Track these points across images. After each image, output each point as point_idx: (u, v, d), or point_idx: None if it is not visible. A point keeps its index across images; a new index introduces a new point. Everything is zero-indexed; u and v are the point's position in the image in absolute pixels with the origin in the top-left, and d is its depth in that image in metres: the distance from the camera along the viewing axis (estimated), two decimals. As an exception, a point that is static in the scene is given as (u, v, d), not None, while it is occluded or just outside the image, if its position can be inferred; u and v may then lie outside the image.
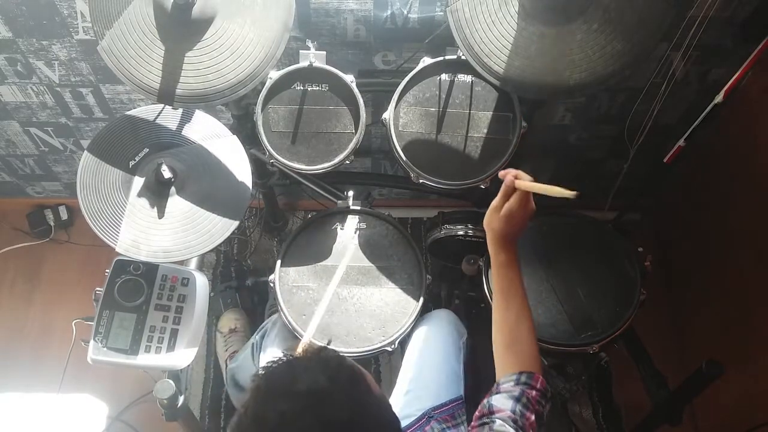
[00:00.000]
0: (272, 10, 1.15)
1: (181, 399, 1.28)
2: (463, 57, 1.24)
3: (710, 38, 1.44)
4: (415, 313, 1.36)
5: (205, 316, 1.26)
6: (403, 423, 1.19)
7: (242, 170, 1.28)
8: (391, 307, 1.37)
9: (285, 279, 1.39)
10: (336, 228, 1.45)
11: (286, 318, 1.34)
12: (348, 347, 1.32)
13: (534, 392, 0.94)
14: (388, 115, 1.32)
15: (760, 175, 1.58)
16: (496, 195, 1.59)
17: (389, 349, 1.34)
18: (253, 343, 1.43)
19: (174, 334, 1.20)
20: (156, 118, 1.30)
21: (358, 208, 1.47)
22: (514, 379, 0.95)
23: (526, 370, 0.96)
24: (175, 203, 1.22)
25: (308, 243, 1.43)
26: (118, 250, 1.18)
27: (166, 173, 1.18)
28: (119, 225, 1.19)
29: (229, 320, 1.89)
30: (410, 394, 1.28)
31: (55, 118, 1.76)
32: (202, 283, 1.26)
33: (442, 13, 1.42)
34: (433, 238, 1.68)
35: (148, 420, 1.83)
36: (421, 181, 1.33)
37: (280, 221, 2.06)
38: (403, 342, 1.38)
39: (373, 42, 1.51)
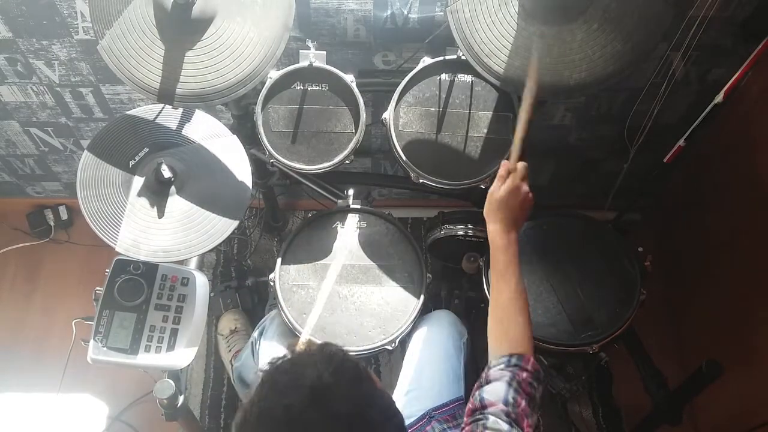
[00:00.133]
0: (272, 9, 1.15)
1: (181, 399, 1.28)
2: (463, 57, 1.24)
3: (710, 38, 1.45)
4: (416, 312, 1.36)
5: (205, 315, 1.26)
6: (404, 423, 1.19)
7: (242, 170, 1.28)
8: (391, 306, 1.37)
9: (285, 278, 1.39)
10: (336, 227, 1.45)
11: (287, 316, 1.34)
12: (348, 346, 1.32)
13: (525, 374, 0.93)
14: (388, 115, 1.32)
15: (760, 175, 1.58)
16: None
17: (389, 347, 1.34)
18: (252, 341, 1.43)
19: (174, 333, 1.20)
20: (156, 117, 1.30)
21: (359, 206, 1.47)
22: (504, 362, 0.95)
23: (517, 352, 0.96)
24: (175, 203, 1.22)
25: (309, 242, 1.43)
26: (118, 249, 1.18)
27: (166, 173, 1.18)
28: (119, 225, 1.19)
29: (228, 321, 1.89)
30: (411, 393, 1.28)
31: (55, 118, 1.76)
32: (202, 282, 1.26)
33: (442, 13, 1.42)
34: (433, 238, 1.68)
35: (148, 420, 1.83)
36: (421, 181, 1.33)
37: (280, 221, 2.06)
38: (404, 341, 1.38)
39: (373, 42, 1.51)
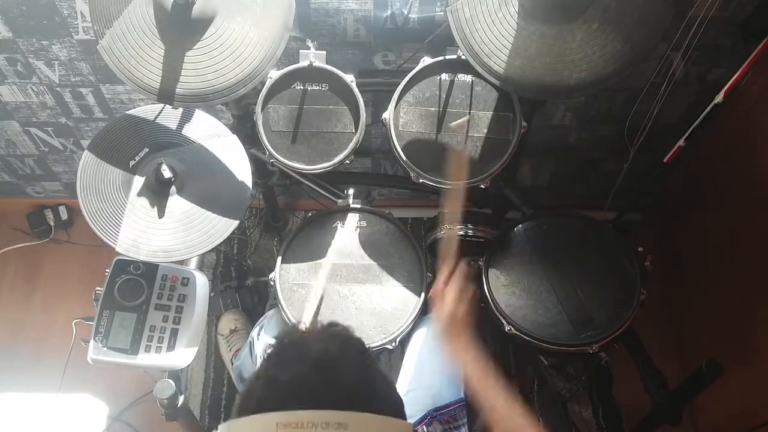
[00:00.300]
0: (272, 9, 1.15)
1: (181, 399, 1.28)
2: (463, 57, 1.24)
3: (710, 38, 1.44)
4: (416, 312, 1.36)
5: (205, 315, 1.26)
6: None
7: (242, 170, 1.28)
8: (391, 305, 1.37)
9: (285, 277, 1.39)
10: (336, 226, 1.45)
11: (287, 316, 1.34)
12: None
13: None
14: (388, 114, 1.32)
15: (760, 175, 1.58)
16: (496, 195, 1.60)
17: (390, 347, 1.34)
18: (251, 340, 1.43)
19: (174, 333, 1.20)
20: (156, 117, 1.30)
21: (359, 206, 1.47)
22: None
23: None
24: (175, 203, 1.22)
25: (309, 241, 1.43)
26: (118, 249, 1.18)
27: (166, 173, 1.18)
28: (119, 225, 1.19)
29: (228, 321, 1.89)
30: (410, 393, 1.28)
31: (55, 118, 1.76)
32: (202, 282, 1.26)
33: (442, 13, 1.42)
34: (433, 238, 1.68)
35: (148, 420, 1.83)
36: (421, 181, 1.33)
37: (280, 221, 2.06)
38: (404, 341, 1.38)
39: (373, 42, 1.51)
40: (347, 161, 1.34)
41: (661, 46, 1.44)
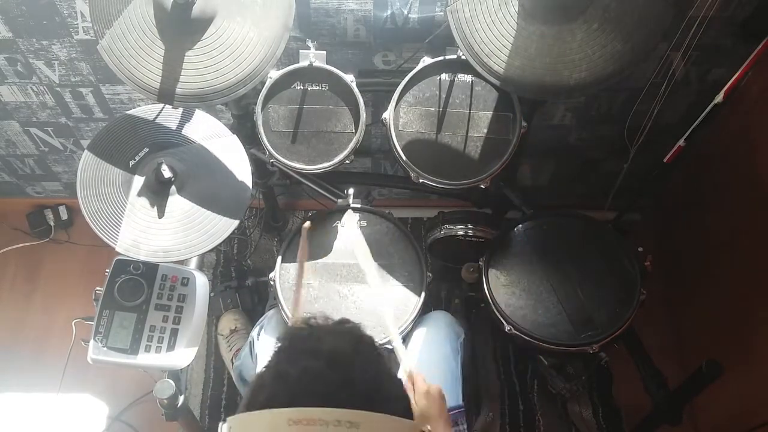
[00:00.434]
0: (272, 9, 1.15)
1: (181, 399, 1.28)
2: (463, 57, 1.24)
3: (710, 38, 1.45)
4: (416, 311, 1.36)
5: (205, 315, 1.26)
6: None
7: (242, 170, 1.28)
8: (391, 305, 1.37)
9: (286, 277, 1.39)
10: (336, 226, 1.45)
11: (287, 316, 1.34)
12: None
13: None
14: (388, 114, 1.32)
15: (760, 175, 1.58)
16: (495, 195, 1.60)
17: (390, 346, 1.33)
18: (251, 340, 1.43)
19: (174, 333, 1.20)
20: (156, 117, 1.30)
21: (359, 206, 1.47)
22: None
23: None
24: (175, 203, 1.22)
25: (309, 241, 1.43)
26: (118, 249, 1.18)
27: (166, 173, 1.18)
28: (119, 225, 1.19)
29: (228, 321, 1.89)
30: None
31: (55, 118, 1.76)
32: (202, 282, 1.26)
33: (442, 13, 1.42)
34: (433, 238, 1.68)
35: (148, 420, 1.83)
36: (421, 181, 1.33)
37: (280, 221, 2.06)
38: (404, 341, 1.38)
39: (373, 42, 1.51)
40: (347, 161, 1.34)
41: (661, 46, 1.44)
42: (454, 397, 1.28)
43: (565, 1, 1.14)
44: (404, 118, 1.34)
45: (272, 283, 1.38)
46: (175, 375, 1.26)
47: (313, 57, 1.30)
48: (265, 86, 1.30)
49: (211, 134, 1.30)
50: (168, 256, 1.19)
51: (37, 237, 2.12)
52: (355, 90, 1.31)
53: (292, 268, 1.40)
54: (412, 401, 0.99)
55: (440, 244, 1.68)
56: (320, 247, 1.43)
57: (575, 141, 1.85)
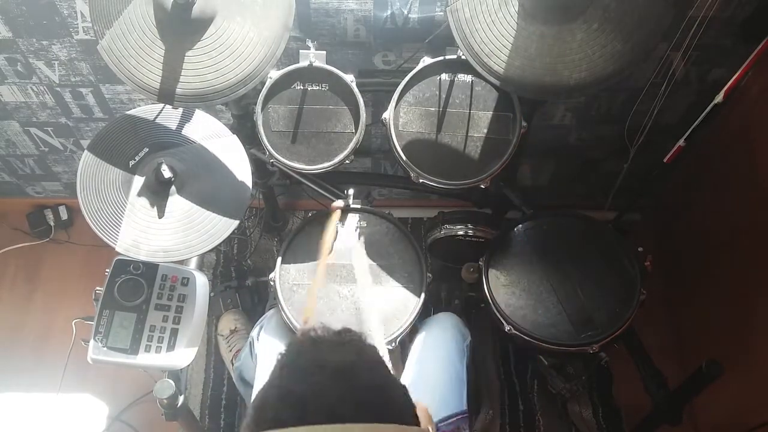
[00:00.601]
0: (272, 9, 1.15)
1: (181, 399, 1.28)
2: (463, 57, 1.24)
3: (710, 38, 1.45)
4: (416, 312, 1.36)
5: (205, 315, 1.26)
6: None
7: (242, 170, 1.28)
8: (391, 306, 1.37)
9: (285, 277, 1.39)
10: (336, 226, 1.45)
11: (287, 316, 1.34)
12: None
13: None
14: (388, 114, 1.32)
15: (760, 175, 1.58)
16: (495, 195, 1.60)
17: (390, 347, 1.33)
18: (251, 341, 1.43)
19: (174, 333, 1.20)
20: (156, 117, 1.30)
21: (359, 206, 1.47)
22: None
23: None
24: (175, 203, 1.22)
25: (309, 241, 1.43)
26: (118, 249, 1.18)
27: (166, 173, 1.18)
28: (119, 225, 1.19)
29: (228, 321, 1.89)
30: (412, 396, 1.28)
31: (55, 118, 1.76)
32: (202, 282, 1.26)
33: (442, 13, 1.42)
34: (433, 238, 1.68)
35: (148, 420, 1.83)
36: (421, 181, 1.33)
37: (280, 221, 2.06)
38: (404, 342, 1.38)
39: (373, 42, 1.51)
40: (347, 161, 1.34)
41: (661, 46, 1.44)
42: (458, 402, 1.27)
43: (565, 1, 1.14)
44: (404, 118, 1.34)
45: (272, 283, 1.38)
46: (175, 375, 1.26)
47: (313, 57, 1.30)
48: (265, 86, 1.30)
49: (211, 134, 1.30)
50: (168, 256, 1.19)
51: (37, 237, 2.12)
52: (355, 90, 1.31)
53: (292, 268, 1.40)
54: None
55: (440, 244, 1.68)
56: (320, 248, 1.42)
57: (575, 141, 1.85)
